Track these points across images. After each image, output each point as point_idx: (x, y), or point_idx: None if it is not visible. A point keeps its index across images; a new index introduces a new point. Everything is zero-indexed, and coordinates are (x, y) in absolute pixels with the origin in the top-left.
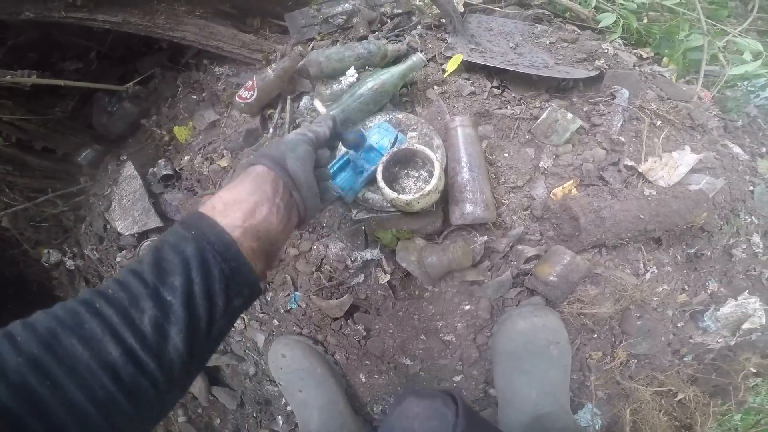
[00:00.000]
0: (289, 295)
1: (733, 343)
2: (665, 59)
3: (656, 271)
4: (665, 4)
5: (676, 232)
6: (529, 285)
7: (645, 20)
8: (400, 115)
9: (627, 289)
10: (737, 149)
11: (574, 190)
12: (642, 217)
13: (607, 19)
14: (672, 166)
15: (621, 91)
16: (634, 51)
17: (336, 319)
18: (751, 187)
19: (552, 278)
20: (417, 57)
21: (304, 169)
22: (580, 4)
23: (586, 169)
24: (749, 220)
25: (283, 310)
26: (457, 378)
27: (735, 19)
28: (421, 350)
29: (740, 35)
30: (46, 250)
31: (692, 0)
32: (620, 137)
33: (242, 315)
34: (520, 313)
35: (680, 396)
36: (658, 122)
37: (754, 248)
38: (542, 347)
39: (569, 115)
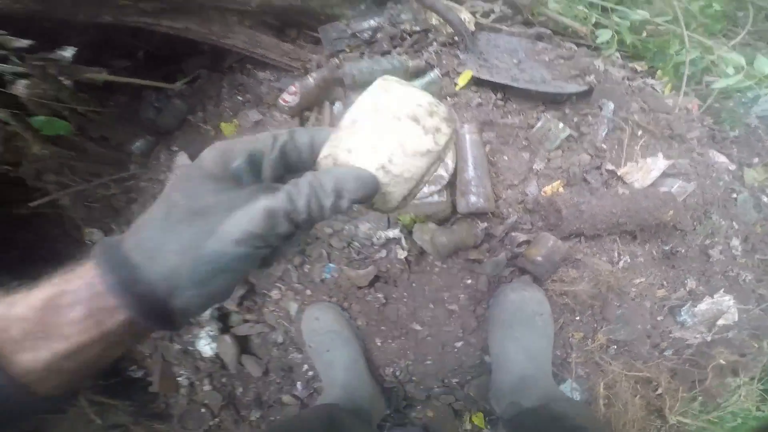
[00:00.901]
0: (324, 266)
1: (709, 339)
2: (659, 72)
3: (629, 260)
4: (656, 21)
5: (649, 229)
6: (520, 265)
7: (644, 34)
8: None
9: (602, 273)
10: (722, 158)
11: (561, 189)
12: (614, 212)
13: (603, 35)
14: (646, 171)
15: (607, 103)
16: (630, 65)
17: (360, 288)
18: (735, 195)
19: (538, 259)
20: (434, 74)
21: (207, 299)
22: (579, 21)
23: (573, 171)
24: (731, 225)
25: (318, 280)
26: (458, 344)
27: (741, 27)
28: (429, 318)
29: (732, 48)
30: (89, 230)
31: (680, 17)
32: (604, 145)
33: (280, 285)
34: (512, 288)
35: (655, 384)
36: (639, 131)
37: (733, 251)
38: (529, 317)
39: (560, 125)
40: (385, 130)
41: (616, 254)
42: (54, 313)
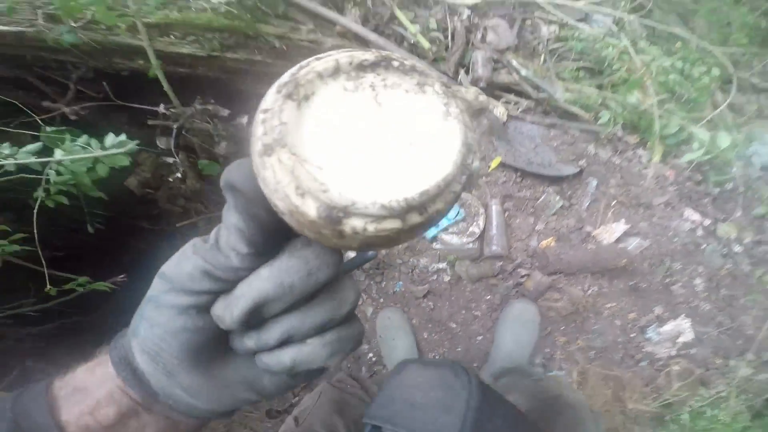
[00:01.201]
0: (395, 283)
1: (674, 353)
2: (649, 143)
3: (597, 290)
4: (645, 104)
5: (610, 271)
6: (520, 290)
7: (643, 108)
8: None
9: (577, 297)
10: (696, 216)
11: (552, 243)
12: (584, 260)
13: (604, 117)
14: (611, 232)
15: (592, 181)
16: (625, 138)
17: (417, 298)
18: (703, 246)
19: (531, 287)
20: (477, 164)
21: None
22: (584, 108)
23: (562, 232)
24: (696, 269)
25: (391, 292)
26: (479, 338)
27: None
28: (461, 320)
29: (701, 125)
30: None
31: (655, 103)
32: (585, 213)
33: (363, 295)
34: (515, 302)
35: (622, 380)
36: (613, 202)
37: (695, 288)
38: (523, 321)
39: (557, 198)
40: None
41: (587, 285)
42: (89, 374)
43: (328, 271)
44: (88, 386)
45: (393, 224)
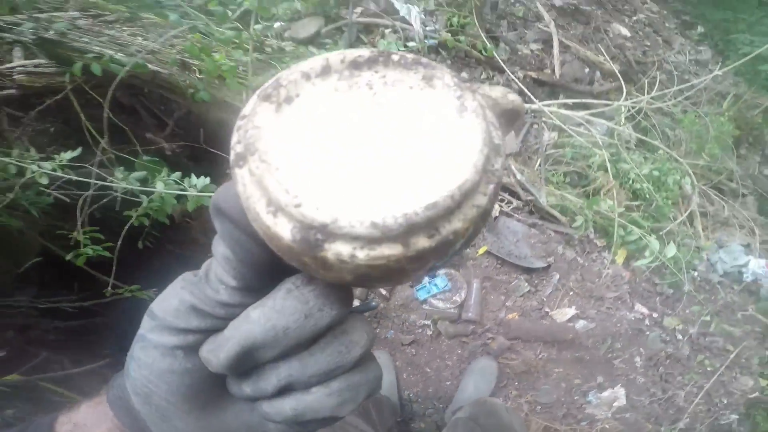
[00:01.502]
0: (387, 331)
1: (609, 415)
2: (613, 248)
3: (546, 356)
4: (610, 214)
5: (559, 343)
6: (486, 349)
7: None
8: (452, 271)
9: (529, 359)
10: (644, 309)
11: (516, 317)
12: (539, 332)
13: (578, 221)
14: (563, 314)
15: (555, 275)
16: (595, 240)
17: (403, 345)
18: (647, 333)
19: (495, 348)
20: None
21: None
22: (563, 213)
23: (525, 309)
24: (638, 350)
25: (383, 337)
26: (448, 383)
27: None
28: (436, 366)
29: (656, 235)
30: None
31: (616, 215)
32: (545, 298)
33: None
34: (480, 358)
35: None
36: (570, 293)
37: (635, 364)
38: (485, 374)
39: (526, 284)
40: None
41: (539, 351)
42: (90, 411)
43: (331, 313)
44: (88, 423)
45: (391, 250)
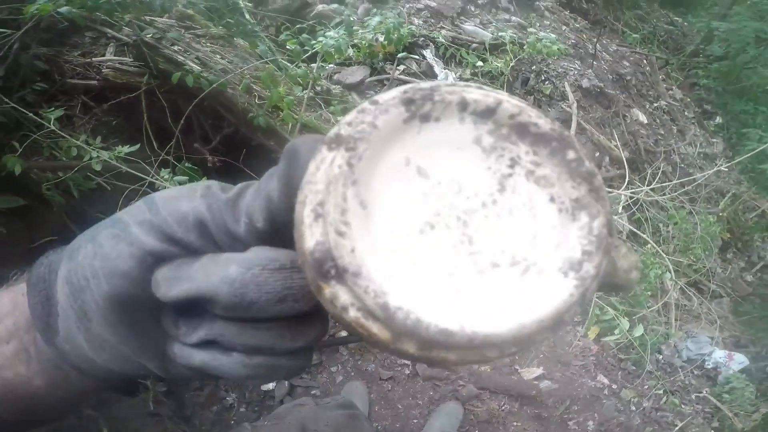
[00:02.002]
0: (369, 364)
1: None
2: (587, 323)
3: (508, 408)
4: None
5: (522, 397)
6: (456, 394)
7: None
8: None
9: (493, 409)
10: (605, 380)
11: (489, 370)
12: (507, 385)
13: None
14: (531, 372)
15: None
16: None
17: (381, 379)
18: (604, 401)
19: (464, 394)
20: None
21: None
22: None
23: (498, 365)
24: (592, 414)
25: (363, 369)
26: (415, 420)
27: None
28: (407, 403)
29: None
30: None
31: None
32: (517, 357)
33: (338, 365)
34: (449, 402)
35: None
36: (540, 355)
37: (587, 428)
38: (451, 416)
39: None
40: None
41: (503, 403)
42: None
43: (303, 308)
44: None
45: (378, 330)
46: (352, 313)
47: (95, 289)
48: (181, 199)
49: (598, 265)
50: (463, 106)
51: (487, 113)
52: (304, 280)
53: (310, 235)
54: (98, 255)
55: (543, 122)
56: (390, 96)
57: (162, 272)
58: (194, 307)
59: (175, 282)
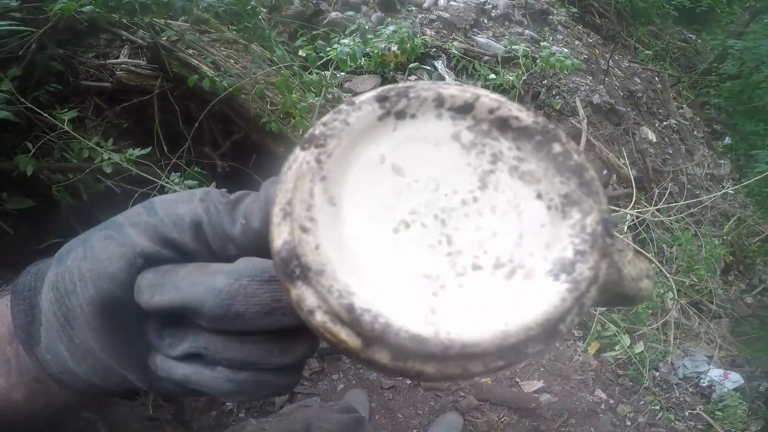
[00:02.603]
0: (370, 372)
1: None
2: (588, 339)
3: (507, 420)
4: (595, 314)
5: (522, 410)
6: (456, 405)
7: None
8: None
9: (492, 421)
10: (602, 395)
11: (489, 382)
12: (506, 397)
13: None
14: (532, 385)
15: None
16: (573, 330)
17: (383, 388)
18: (600, 415)
19: (464, 405)
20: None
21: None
22: None
23: (499, 377)
24: (589, 429)
25: (365, 377)
26: (414, 430)
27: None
28: (407, 413)
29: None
30: None
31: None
32: (518, 370)
33: (340, 373)
34: (449, 412)
35: None
36: (541, 369)
37: None
38: (451, 427)
39: None
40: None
41: (502, 415)
42: None
43: (291, 321)
44: None
45: (347, 337)
46: (319, 317)
47: (81, 293)
48: (180, 203)
49: (594, 267)
50: (440, 101)
51: (465, 108)
52: None
53: (278, 235)
54: (88, 257)
55: (524, 116)
56: (366, 95)
57: (146, 277)
58: (179, 318)
59: (159, 289)
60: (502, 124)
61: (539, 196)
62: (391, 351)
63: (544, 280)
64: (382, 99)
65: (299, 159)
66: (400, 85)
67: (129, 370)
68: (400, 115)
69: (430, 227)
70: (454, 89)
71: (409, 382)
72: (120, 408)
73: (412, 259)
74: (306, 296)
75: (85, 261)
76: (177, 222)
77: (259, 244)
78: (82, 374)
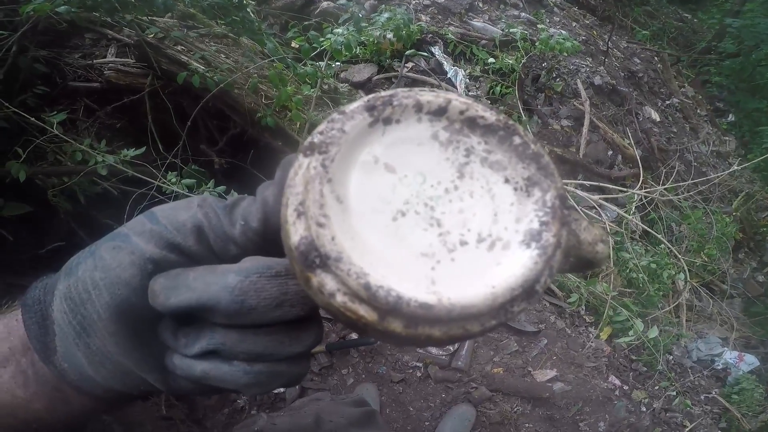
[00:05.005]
0: (380, 367)
1: None
2: (601, 324)
3: (520, 410)
4: (603, 295)
5: (535, 400)
6: (468, 396)
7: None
8: None
9: (505, 411)
10: (616, 381)
11: (501, 371)
12: (519, 387)
13: (573, 298)
14: (544, 375)
15: (543, 340)
16: (586, 317)
17: (393, 381)
18: (615, 402)
19: (477, 396)
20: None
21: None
22: (560, 287)
23: (510, 366)
24: (603, 416)
25: (374, 372)
26: (426, 423)
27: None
28: (419, 406)
29: (641, 319)
30: None
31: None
32: (531, 359)
33: (349, 368)
34: (461, 404)
35: None
36: (554, 357)
37: (598, 428)
38: (463, 419)
39: (515, 344)
40: None
41: (515, 405)
42: None
43: (300, 312)
44: None
45: (366, 312)
46: (339, 298)
47: (97, 301)
48: (179, 210)
49: (556, 234)
50: (419, 107)
51: (440, 112)
52: (298, 286)
53: (294, 232)
54: (99, 267)
55: (489, 114)
56: (355, 105)
57: (159, 282)
58: (192, 319)
59: (173, 291)
60: (471, 123)
61: (507, 181)
62: (404, 320)
63: (519, 249)
64: (370, 108)
65: (304, 165)
66: (383, 94)
67: (147, 372)
68: (387, 121)
69: (422, 214)
70: (429, 95)
71: (419, 375)
72: (134, 409)
73: (411, 241)
74: (326, 281)
75: (97, 270)
76: (180, 228)
77: (258, 243)
78: (100, 380)
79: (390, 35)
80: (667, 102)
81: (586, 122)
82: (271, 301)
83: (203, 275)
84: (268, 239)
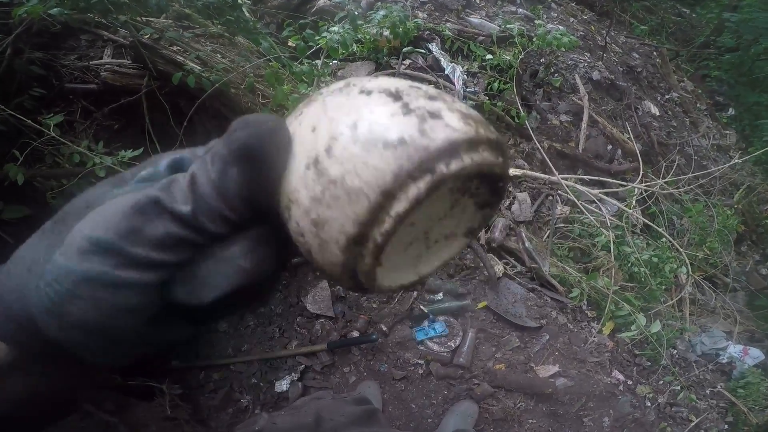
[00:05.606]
0: (381, 364)
1: None
2: (603, 319)
3: (523, 406)
4: (604, 289)
5: (538, 395)
6: (470, 393)
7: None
8: (451, 319)
9: (508, 407)
10: (620, 376)
11: (503, 368)
12: (521, 383)
13: (574, 293)
14: (546, 371)
15: (545, 336)
16: (588, 312)
17: (395, 379)
18: (619, 396)
19: (478, 394)
20: (468, 301)
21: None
22: (562, 282)
23: (512, 362)
24: (608, 411)
25: (377, 370)
26: (429, 420)
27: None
28: (421, 403)
29: (643, 313)
30: None
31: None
32: (533, 354)
33: (351, 366)
34: (464, 401)
35: None
36: (556, 353)
37: (602, 424)
38: (466, 416)
39: (517, 340)
40: (339, 104)
41: (518, 402)
42: None
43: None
44: None
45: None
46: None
47: (117, 324)
48: (145, 228)
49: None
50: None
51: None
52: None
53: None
54: (97, 305)
55: (389, 83)
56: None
57: (182, 292)
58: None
59: (202, 291)
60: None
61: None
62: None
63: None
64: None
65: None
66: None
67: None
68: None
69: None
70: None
71: (421, 372)
72: (138, 409)
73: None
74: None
75: (96, 309)
76: (166, 247)
77: (230, 230)
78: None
79: (387, 32)
80: (667, 96)
81: (585, 117)
82: (272, 259)
83: (220, 270)
84: (246, 222)
